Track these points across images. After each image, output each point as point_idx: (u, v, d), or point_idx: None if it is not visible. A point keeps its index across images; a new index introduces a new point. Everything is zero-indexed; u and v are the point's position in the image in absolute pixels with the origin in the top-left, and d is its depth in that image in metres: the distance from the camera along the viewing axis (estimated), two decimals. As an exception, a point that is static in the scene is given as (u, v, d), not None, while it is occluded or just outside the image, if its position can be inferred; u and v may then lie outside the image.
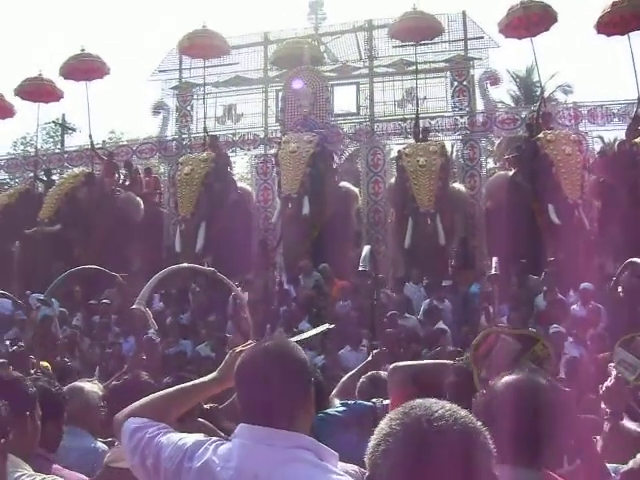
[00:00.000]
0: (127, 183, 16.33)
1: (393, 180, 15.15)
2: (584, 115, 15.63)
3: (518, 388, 2.01)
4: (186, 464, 1.98)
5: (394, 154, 16.32)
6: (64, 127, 23.33)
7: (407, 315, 11.19)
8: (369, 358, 5.04)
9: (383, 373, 4.09)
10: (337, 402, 3.84)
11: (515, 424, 1.90)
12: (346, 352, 10.05)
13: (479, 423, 1.35)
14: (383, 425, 1.34)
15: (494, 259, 11.59)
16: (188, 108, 18.07)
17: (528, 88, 29.31)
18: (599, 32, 14.36)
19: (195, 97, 17.99)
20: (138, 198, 15.69)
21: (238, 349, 2.33)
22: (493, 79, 16.39)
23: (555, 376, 4.84)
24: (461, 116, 16.35)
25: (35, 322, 10.24)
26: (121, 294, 12.16)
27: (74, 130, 25.36)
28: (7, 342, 10.21)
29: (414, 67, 16.12)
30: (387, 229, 15.87)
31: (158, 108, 18.03)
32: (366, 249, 7.88)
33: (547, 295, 10.95)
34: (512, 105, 25.62)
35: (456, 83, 16.59)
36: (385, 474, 1.29)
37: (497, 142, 21.34)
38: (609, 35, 14.37)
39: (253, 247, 15.10)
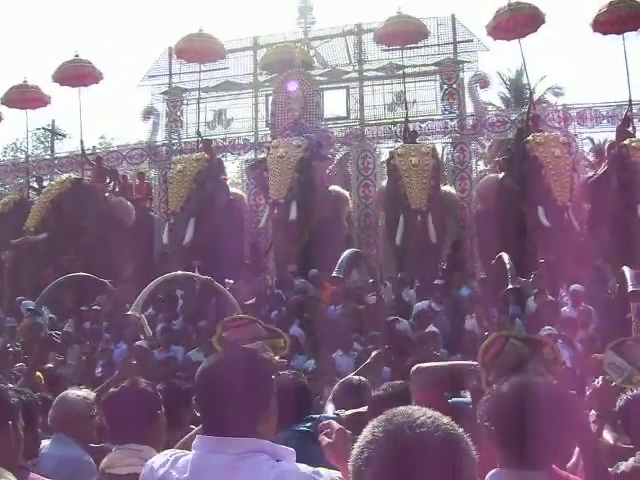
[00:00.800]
0: (116, 189, 16.29)
1: (384, 183, 15.17)
2: (573, 117, 15.70)
3: (521, 391, 2.01)
4: (151, 475, 2.07)
5: (384, 158, 16.33)
6: (54, 133, 23.25)
7: (399, 319, 11.18)
8: (368, 360, 4.99)
9: (356, 378, 4.06)
10: (330, 408, 3.77)
11: (518, 427, 1.90)
12: (337, 356, 10.04)
13: (460, 430, 1.34)
14: (366, 432, 1.34)
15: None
16: (178, 113, 18.07)
17: (518, 90, 29.42)
18: (595, 30, 14.41)
19: (185, 102, 17.99)
20: (129, 203, 15.66)
21: None
22: (483, 82, 16.46)
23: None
24: (451, 119, 16.39)
25: (25, 329, 10.21)
26: (111, 300, 12.14)
27: (64, 136, 25.31)
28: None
29: (403, 71, 16.15)
30: (378, 232, 15.89)
31: (148, 113, 18.02)
32: (344, 254, 7.77)
33: (537, 297, 10.96)
34: (502, 107, 25.68)
35: (446, 86, 16.63)
36: None
37: (488, 145, 21.42)
38: (605, 34, 14.42)
39: (244, 251, 15.11)
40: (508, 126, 15.94)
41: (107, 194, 15.95)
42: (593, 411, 3.67)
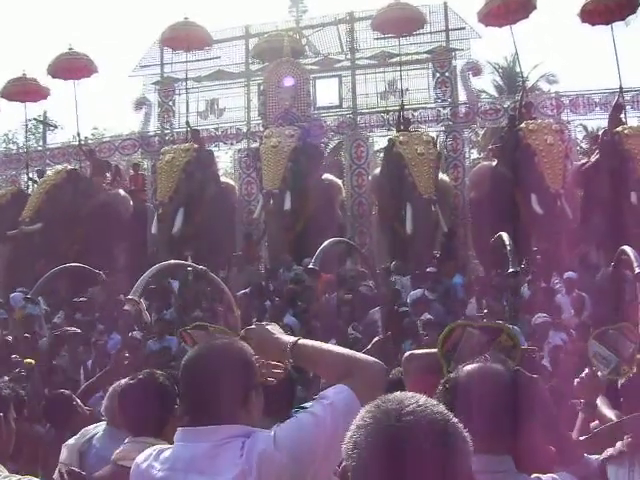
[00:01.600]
0: (109, 181, 16.26)
1: (377, 171, 15.12)
2: (566, 105, 15.69)
3: (479, 376, 2.00)
4: (136, 471, 2.09)
5: (377, 146, 16.31)
6: (45, 124, 23.15)
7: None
8: (369, 346, 4.95)
9: None
10: None
11: (477, 411, 1.89)
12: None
13: (455, 420, 1.33)
14: (358, 417, 1.34)
15: None
16: (170, 103, 17.97)
17: (512, 78, 29.39)
18: (583, 21, 14.41)
19: (177, 92, 17.91)
20: (126, 194, 15.64)
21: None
22: (475, 70, 16.43)
23: (534, 364, 4.84)
24: (443, 107, 16.35)
25: (18, 321, 10.18)
26: (105, 291, 12.12)
27: (56, 127, 25.22)
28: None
29: (396, 59, 16.12)
30: (371, 221, 15.87)
31: (140, 104, 17.94)
32: (322, 246, 7.71)
33: (531, 284, 10.98)
34: (496, 95, 25.67)
35: (438, 74, 16.58)
36: (354, 465, 1.28)
37: (481, 133, 21.43)
38: (593, 24, 14.42)
39: (236, 241, 15.08)
40: (501, 114, 15.91)
41: (104, 185, 15.91)
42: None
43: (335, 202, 15.15)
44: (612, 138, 13.14)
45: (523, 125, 13.52)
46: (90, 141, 19.12)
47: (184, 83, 17.21)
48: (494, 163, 14.19)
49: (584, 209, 13.35)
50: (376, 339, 4.98)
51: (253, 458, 1.84)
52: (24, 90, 17.02)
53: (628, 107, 14.55)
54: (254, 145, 16.08)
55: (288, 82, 16.09)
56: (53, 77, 16.80)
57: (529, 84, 24.72)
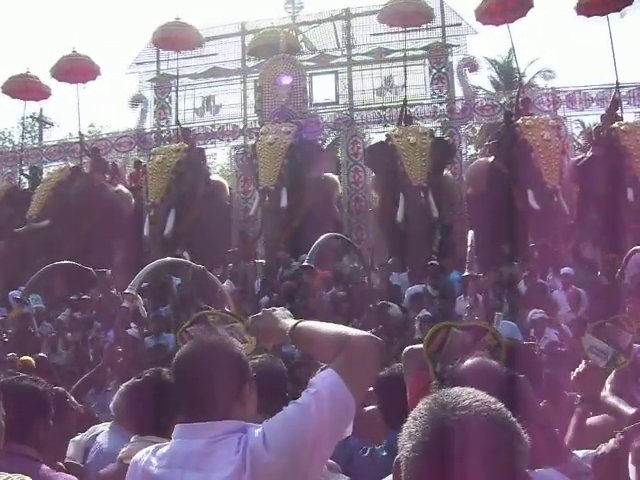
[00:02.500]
0: (108, 179, 16.21)
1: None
2: (563, 100, 15.70)
3: (476, 370, 2.00)
4: (134, 467, 2.09)
5: (374, 142, 16.23)
6: (42, 122, 23.06)
7: (389, 303, 11.14)
8: None
9: None
10: None
11: None
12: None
13: (514, 420, 1.29)
14: (417, 407, 1.33)
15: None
16: (166, 100, 17.96)
17: (508, 74, 29.30)
18: (579, 13, 14.38)
19: (173, 89, 17.87)
20: (129, 192, 15.62)
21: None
22: (471, 66, 16.42)
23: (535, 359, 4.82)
24: (440, 103, 16.35)
25: (11, 319, 10.16)
26: (101, 289, 12.09)
27: (52, 125, 25.12)
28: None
29: (392, 55, 16.09)
30: (368, 217, 15.86)
31: (136, 101, 17.94)
32: (316, 242, 7.68)
33: (527, 280, 10.98)
34: (493, 91, 25.63)
35: (435, 70, 16.58)
36: (407, 456, 1.26)
37: (478, 129, 21.39)
38: (589, 16, 14.38)
39: (230, 239, 15.05)
40: (498, 110, 15.90)
41: (105, 183, 15.88)
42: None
43: (332, 198, 15.13)
44: (609, 134, 13.12)
45: (520, 121, 13.49)
46: (86, 139, 19.07)
47: (180, 80, 17.18)
48: (491, 159, 14.15)
49: (580, 205, 13.33)
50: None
51: (247, 455, 1.85)
52: (26, 88, 16.99)
53: (625, 102, 14.54)
54: (250, 142, 16.05)
55: (286, 80, 16.07)
56: (58, 80, 16.80)
57: (526, 80, 24.74)
